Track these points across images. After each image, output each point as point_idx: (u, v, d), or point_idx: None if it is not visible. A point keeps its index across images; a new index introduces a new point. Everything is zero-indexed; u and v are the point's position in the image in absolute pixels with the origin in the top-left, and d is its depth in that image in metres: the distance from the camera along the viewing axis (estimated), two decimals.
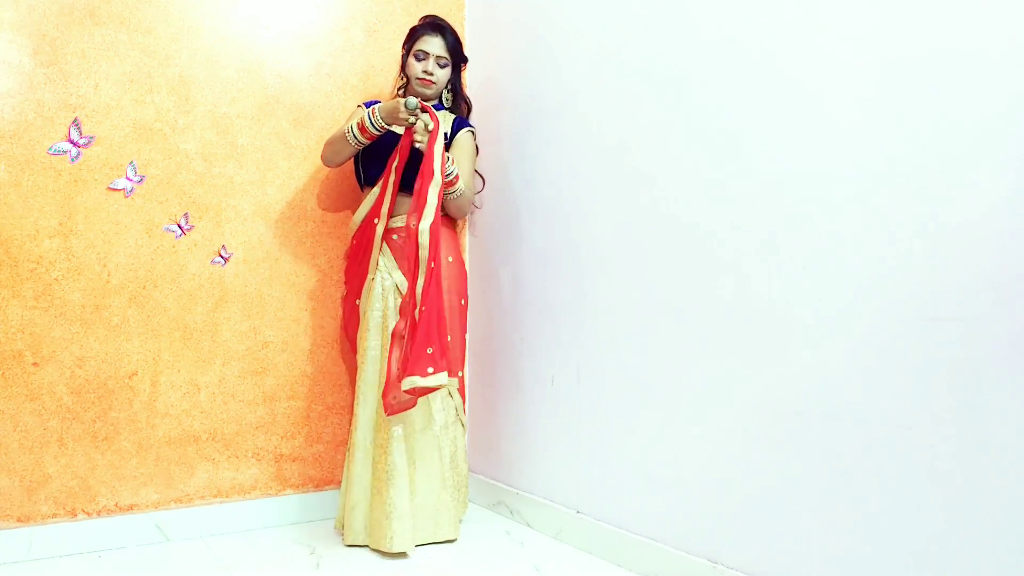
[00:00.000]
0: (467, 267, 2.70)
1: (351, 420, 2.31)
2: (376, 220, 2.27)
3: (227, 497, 2.36)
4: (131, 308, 2.22)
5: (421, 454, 2.20)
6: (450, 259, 2.34)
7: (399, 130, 2.23)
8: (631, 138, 2.05)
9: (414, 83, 2.35)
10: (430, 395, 2.20)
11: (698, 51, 1.86)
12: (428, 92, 2.34)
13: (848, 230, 1.51)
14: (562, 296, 2.29)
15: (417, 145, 2.16)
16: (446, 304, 2.24)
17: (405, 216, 2.27)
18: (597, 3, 2.17)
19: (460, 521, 2.35)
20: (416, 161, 2.22)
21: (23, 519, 2.08)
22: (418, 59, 2.33)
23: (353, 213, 2.51)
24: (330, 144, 2.29)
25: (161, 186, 2.26)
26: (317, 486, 2.50)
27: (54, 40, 2.12)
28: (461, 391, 2.36)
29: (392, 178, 2.24)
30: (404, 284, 2.22)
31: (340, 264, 2.55)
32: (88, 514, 2.16)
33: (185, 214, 2.30)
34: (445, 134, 2.33)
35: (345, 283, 2.43)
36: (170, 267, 2.27)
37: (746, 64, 1.73)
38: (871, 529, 1.46)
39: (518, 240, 2.49)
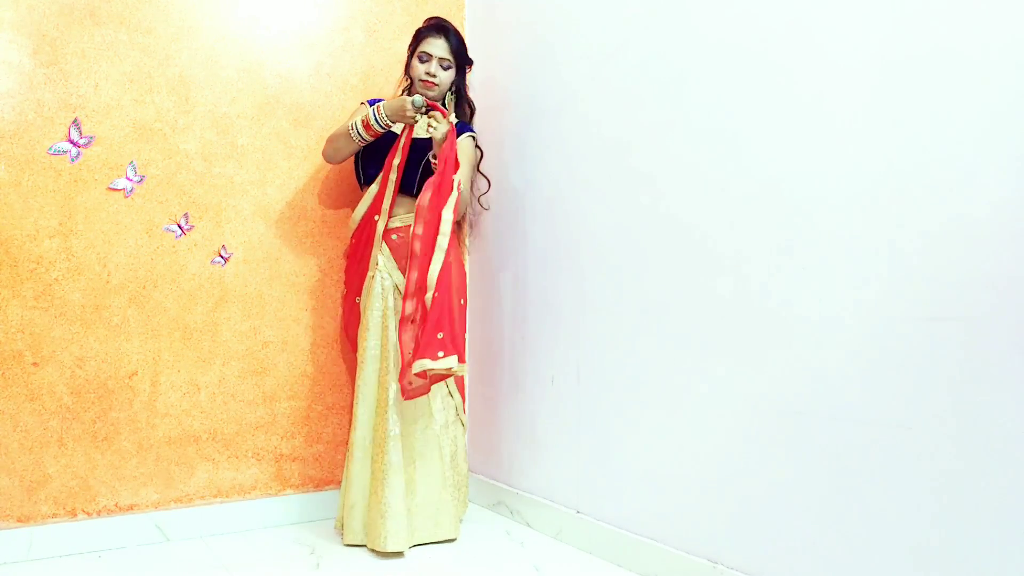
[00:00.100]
0: (467, 267, 2.71)
1: (351, 420, 2.31)
2: (376, 217, 2.28)
3: (227, 497, 2.36)
4: (131, 308, 2.22)
5: (421, 453, 2.20)
6: (450, 259, 2.34)
7: (400, 129, 2.24)
8: (631, 138, 2.05)
9: (417, 85, 2.35)
10: (430, 395, 2.21)
11: (698, 51, 1.86)
12: (431, 94, 2.34)
13: (848, 230, 1.51)
14: (562, 296, 2.29)
15: (430, 132, 2.19)
16: None
17: (405, 216, 2.28)
18: (597, 3, 2.18)
19: (460, 521, 2.35)
20: (416, 161, 2.22)
21: (23, 519, 2.08)
22: (421, 61, 2.33)
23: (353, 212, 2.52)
24: (333, 140, 2.29)
25: (161, 186, 2.26)
26: (317, 486, 2.50)
27: (54, 40, 2.12)
28: (461, 390, 2.36)
29: (393, 177, 2.24)
30: (404, 284, 2.22)
31: (340, 264, 2.55)
32: (88, 514, 2.16)
33: (185, 214, 2.30)
34: None
35: (345, 282, 2.43)
36: (170, 267, 2.27)
37: (746, 64, 1.74)
38: (871, 529, 1.46)
39: (518, 240, 2.49)
